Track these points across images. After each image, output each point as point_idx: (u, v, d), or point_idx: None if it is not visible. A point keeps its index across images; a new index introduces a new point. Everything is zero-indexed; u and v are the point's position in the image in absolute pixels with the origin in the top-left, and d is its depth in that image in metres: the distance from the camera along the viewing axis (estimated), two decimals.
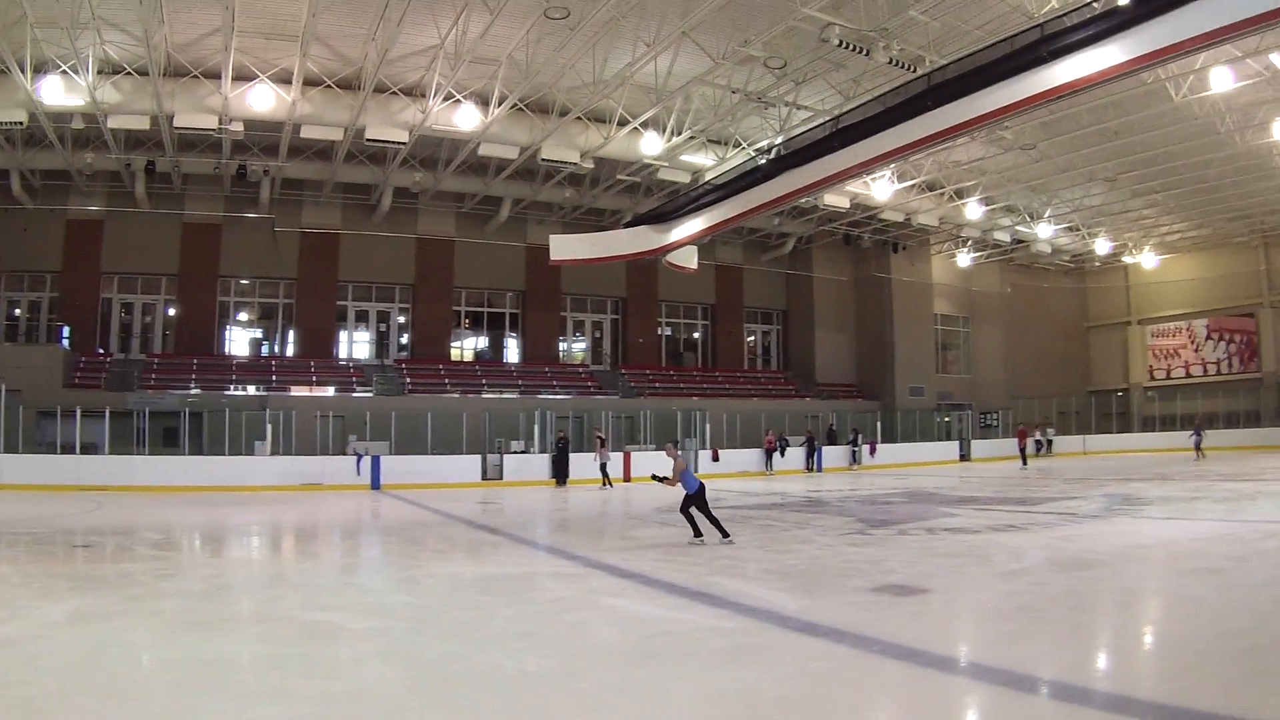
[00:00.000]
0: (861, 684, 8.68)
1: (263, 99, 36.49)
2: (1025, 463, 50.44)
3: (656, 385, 56.75)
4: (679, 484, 19.06)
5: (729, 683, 8.65)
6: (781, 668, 9.13)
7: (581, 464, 41.95)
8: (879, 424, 56.39)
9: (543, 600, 13.35)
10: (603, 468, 40.13)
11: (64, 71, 34.38)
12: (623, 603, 12.93)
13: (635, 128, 39.59)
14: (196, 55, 35.51)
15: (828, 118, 35.31)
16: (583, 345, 61.31)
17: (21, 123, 37.01)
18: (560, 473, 40.84)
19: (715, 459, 46.89)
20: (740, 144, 42.03)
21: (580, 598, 13.06)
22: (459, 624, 11.62)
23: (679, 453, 20.39)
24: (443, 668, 9.38)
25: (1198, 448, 51.80)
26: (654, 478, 20.92)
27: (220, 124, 37.57)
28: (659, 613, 12.06)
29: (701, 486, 18.79)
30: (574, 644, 10.23)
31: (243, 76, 35.94)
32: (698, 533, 18.63)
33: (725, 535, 18.51)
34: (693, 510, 18.78)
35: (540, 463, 42.58)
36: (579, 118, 38.96)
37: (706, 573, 14.74)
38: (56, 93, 35.06)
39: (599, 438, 41.91)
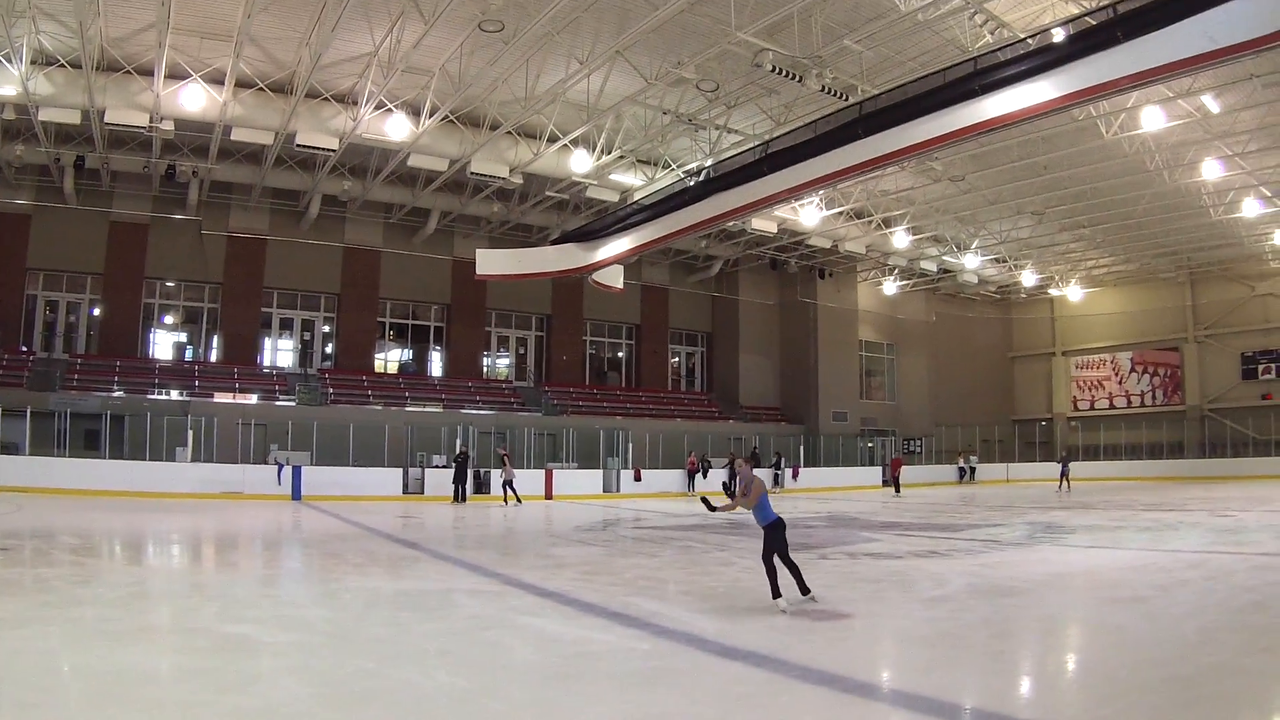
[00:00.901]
0: (780, 710, 8.63)
1: (194, 98, 36.17)
2: (898, 491, 50.45)
3: (580, 403, 56.70)
4: (746, 509, 13.96)
5: (645, 705, 8.66)
6: (699, 691, 9.14)
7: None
8: (801, 448, 56.62)
9: (460, 617, 13.30)
10: (507, 484, 39.81)
11: None
12: (540, 622, 12.87)
13: (565, 145, 39.63)
14: (131, 50, 35.15)
15: (758, 142, 35.52)
16: (507, 361, 61.18)
17: None
18: (459, 488, 40.43)
19: (637, 479, 47.02)
20: (670, 165, 42.18)
21: (498, 616, 12.99)
22: (375, 640, 11.51)
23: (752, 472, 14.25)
24: (356, 684, 9.30)
25: (1063, 477, 52.60)
26: (706, 503, 14.80)
27: (151, 122, 37.10)
28: (577, 633, 12.05)
29: (781, 520, 13.75)
30: (490, 663, 10.20)
31: (176, 75, 35.61)
32: (778, 591, 13.39)
33: (806, 592, 13.60)
34: (775, 559, 13.67)
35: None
36: (510, 132, 38.92)
37: (625, 593, 14.73)
38: None
39: (503, 455, 41.57)
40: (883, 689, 9.66)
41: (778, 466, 52.58)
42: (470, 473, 41.56)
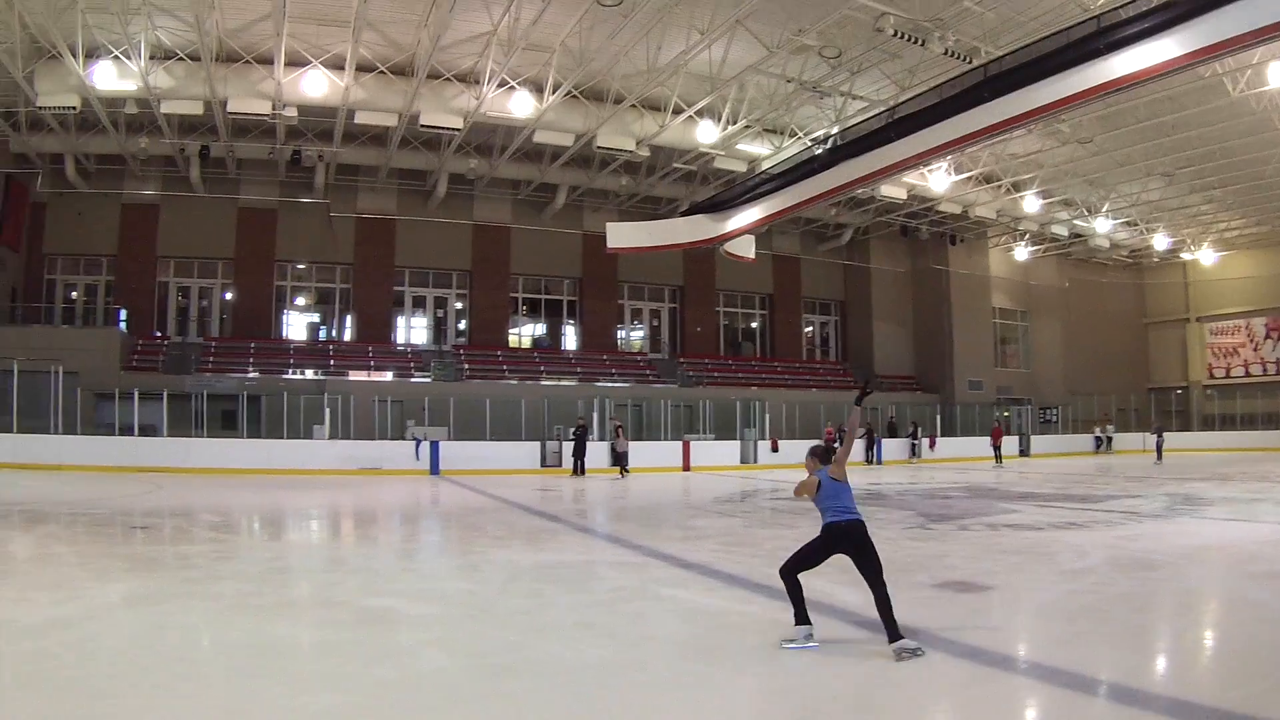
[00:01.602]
0: (923, 684, 8.51)
1: (316, 85, 36.77)
2: (999, 460, 49.51)
3: (715, 374, 56.60)
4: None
5: (790, 678, 8.55)
6: (843, 664, 9.05)
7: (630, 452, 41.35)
8: (938, 417, 56.03)
9: (603, 589, 13.28)
10: (621, 456, 39.79)
11: (116, 57, 34.86)
12: (683, 594, 12.80)
13: (691, 116, 39.38)
14: (248, 40, 35.76)
15: (884, 108, 35.13)
16: (640, 333, 61.27)
17: (74, 107, 37.57)
18: (578, 461, 40.07)
19: (774, 450, 46.64)
20: (796, 134, 41.93)
21: (640, 587, 12.94)
22: (518, 612, 11.51)
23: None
24: (501, 656, 9.29)
25: (1159, 450, 51.54)
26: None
27: (274, 109, 37.80)
28: (720, 605, 11.93)
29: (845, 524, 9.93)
30: (634, 635, 10.19)
31: (295, 62, 36.19)
32: (804, 618, 9.80)
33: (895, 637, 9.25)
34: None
35: (599, 450, 41.96)
36: (634, 105, 38.95)
37: (766, 565, 14.44)
38: (109, 78, 35.55)
39: (617, 427, 41.48)
40: (1025, 663, 9.46)
41: (914, 436, 52.16)
42: (609, 445, 41.39)
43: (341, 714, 7.51)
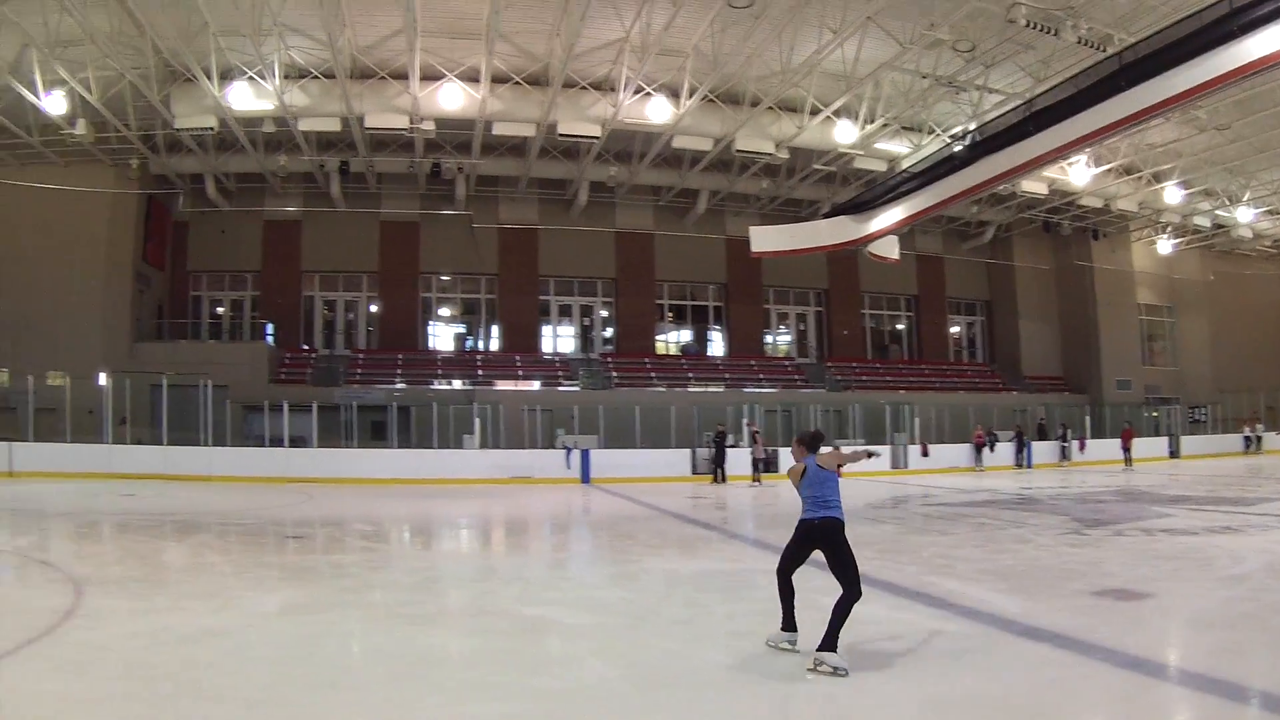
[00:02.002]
0: (1089, 694, 8.33)
1: (452, 98, 37.16)
2: (1129, 463, 47.90)
3: (863, 378, 56.09)
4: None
5: (953, 687, 8.44)
6: (1006, 673, 8.92)
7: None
8: (1087, 418, 55.00)
9: (760, 598, 12.78)
10: (758, 463, 39.18)
11: (250, 77, 35.74)
12: None
13: (828, 116, 39.04)
14: (382, 57, 36.32)
15: (1020, 101, 34.66)
16: (787, 338, 60.78)
17: (212, 128, 38.66)
18: (718, 468, 39.55)
19: (925, 454, 46.02)
20: (934, 130, 41.41)
21: (798, 595, 12.76)
22: (677, 621, 11.53)
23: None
24: (663, 666, 9.28)
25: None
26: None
27: (411, 123, 38.26)
28: (879, 613, 11.66)
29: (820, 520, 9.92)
30: (797, 644, 9.90)
31: (430, 76, 36.62)
32: (790, 624, 9.94)
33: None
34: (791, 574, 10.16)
35: (748, 457, 40.71)
36: (771, 107, 38.66)
37: (924, 572, 14.42)
38: (245, 98, 36.47)
39: (754, 432, 41.06)
40: (1186, 673, 9.24)
41: (1064, 439, 51.20)
42: (751, 452, 40.65)
43: None
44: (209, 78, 34.81)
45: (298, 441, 39.66)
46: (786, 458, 39.44)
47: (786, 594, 9.96)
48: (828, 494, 9.76)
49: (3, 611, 11.52)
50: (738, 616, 11.52)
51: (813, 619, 9.59)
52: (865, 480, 38.53)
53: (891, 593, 13.01)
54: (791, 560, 9.97)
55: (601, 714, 7.83)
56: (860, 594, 9.33)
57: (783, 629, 9.80)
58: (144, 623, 10.93)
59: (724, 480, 38.81)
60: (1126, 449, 48.27)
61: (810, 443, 10.08)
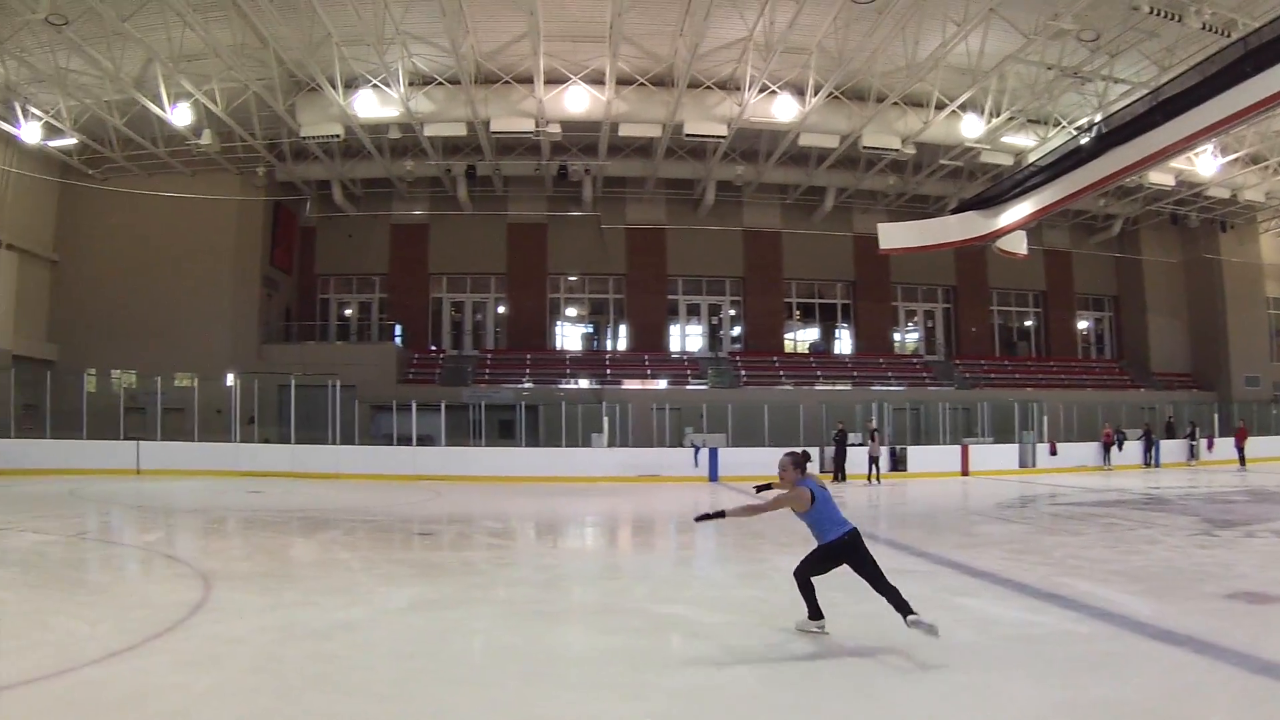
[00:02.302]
0: (1220, 699, 8.18)
1: (577, 100, 37.43)
2: (1243, 464, 46.44)
3: (991, 376, 55.33)
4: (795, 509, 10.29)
5: (1090, 691, 8.23)
6: (1141, 678, 8.71)
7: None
8: (1215, 416, 53.88)
9: None
10: (874, 461, 38.60)
11: (375, 85, 36.37)
12: (975, 603, 12.51)
13: (954, 110, 38.80)
14: (506, 61, 36.61)
15: (1145, 91, 34.00)
16: (915, 335, 60.35)
17: (338, 136, 39.30)
18: (839, 468, 38.91)
19: (1053, 453, 45.25)
20: (1060, 123, 40.79)
21: (933, 596, 12.47)
22: None
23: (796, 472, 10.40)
24: (797, 665, 9.23)
25: None
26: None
27: (537, 127, 38.44)
28: (1013, 614, 11.63)
29: (848, 536, 10.06)
30: (928, 645, 9.72)
31: (554, 79, 36.90)
32: (816, 613, 10.39)
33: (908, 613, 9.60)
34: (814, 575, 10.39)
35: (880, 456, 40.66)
36: (896, 103, 38.35)
37: (1056, 573, 14.18)
38: (370, 105, 37.20)
39: (872, 430, 40.42)
40: None
41: (1192, 437, 50.14)
42: (885, 450, 40.39)
43: None
44: (334, 87, 35.41)
45: (425, 440, 40.07)
46: (915, 455, 39.30)
47: (809, 592, 10.29)
48: (836, 512, 10.12)
49: (132, 605, 11.64)
50: (871, 616, 11.25)
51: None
52: (993, 480, 38.15)
53: (1024, 594, 12.83)
54: (813, 571, 10.23)
55: (735, 715, 7.78)
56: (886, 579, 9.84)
57: (810, 618, 10.30)
58: (273, 617, 11.06)
59: (844, 479, 38.30)
60: (1240, 448, 47.21)
61: (803, 465, 9.99)
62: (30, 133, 38.12)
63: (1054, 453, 44.87)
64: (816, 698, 8.11)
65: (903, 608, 9.49)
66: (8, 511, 22.32)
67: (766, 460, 37.39)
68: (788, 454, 10.19)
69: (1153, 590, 12.92)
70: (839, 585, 13.42)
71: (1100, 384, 57.04)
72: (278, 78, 35.63)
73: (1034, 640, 10.20)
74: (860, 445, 39.88)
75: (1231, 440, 48.40)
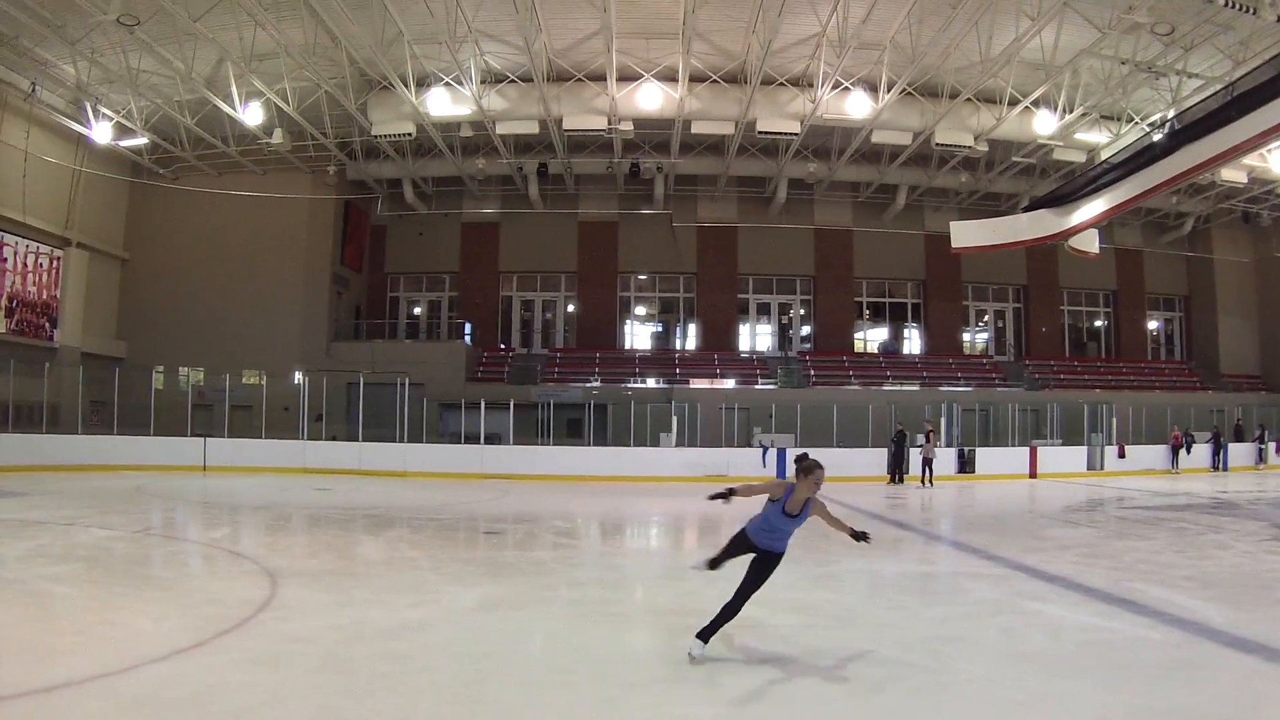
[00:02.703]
0: None
1: (650, 98, 37.43)
2: (1219, 467, 46.04)
3: (1060, 377, 54.72)
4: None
5: (1166, 699, 8.10)
6: (1217, 685, 8.58)
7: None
8: None
9: (967, 602, 12.94)
10: (927, 463, 37.85)
11: (447, 84, 36.38)
12: (1048, 608, 12.30)
13: (1026, 106, 38.33)
14: (578, 59, 36.68)
15: (1219, 86, 33.66)
16: (985, 335, 59.66)
17: (410, 134, 39.49)
18: (896, 468, 38.61)
19: (1121, 455, 44.81)
20: (1133, 119, 40.30)
21: (1005, 600, 12.55)
22: (883, 625, 11.28)
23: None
24: (872, 670, 9.07)
25: None
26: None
27: (609, 124, 38.52)
28: (1086, 620, 11.43)
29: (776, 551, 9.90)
30: (1004, 651, 9.79)
31: (627, 76, 36.91)
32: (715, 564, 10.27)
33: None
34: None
35: (945, 457, 40.68)
36: (969, 99, 37.98)
37: (1128, 578, 14.03)
38: (442, 104, 37.31)
39: (929, 431, 39.33)
40: None
41: (1261, 440, 49.44)
42: (922, 451, 39.10)
43: None
44: (405, 85, 35.63)
45: (493, 439, 40.14)
46: (984, 457, 39.01)
47: (724, 555, 10.20)
48: (786, 527, 9.79)
49: (198, 602, 11.65)
50: (945, 620, 11.26)
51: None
52: (1061, 482, 37.82)
53: (1097, 599, 12.62)
54: (729, 555, 10.16)
55: (809, 718, 7.65)
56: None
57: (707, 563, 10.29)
58: (341, 615, 11.06)
59: (901, 481, 38.09)
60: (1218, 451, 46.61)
61: (805, 469, 9.73)
62: (101, 133, 38.69)
63: (1122, 455, 44.37)
64: (889, 706, 7.99)
65: (706, 631, 9.30)
66: (75, 506, 22.45)
67: (836, 461, 36.84)
68: (800, 456, 9.91)
69: (1225, 596, 12.77)
70: (910, 589, 13.38)
71: (1169, 385, 56.11)
72: (349, 76, 36.03)
73: (1105, 646, 10.04)
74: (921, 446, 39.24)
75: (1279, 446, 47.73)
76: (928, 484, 37.03)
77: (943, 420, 43.28)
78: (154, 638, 9.71)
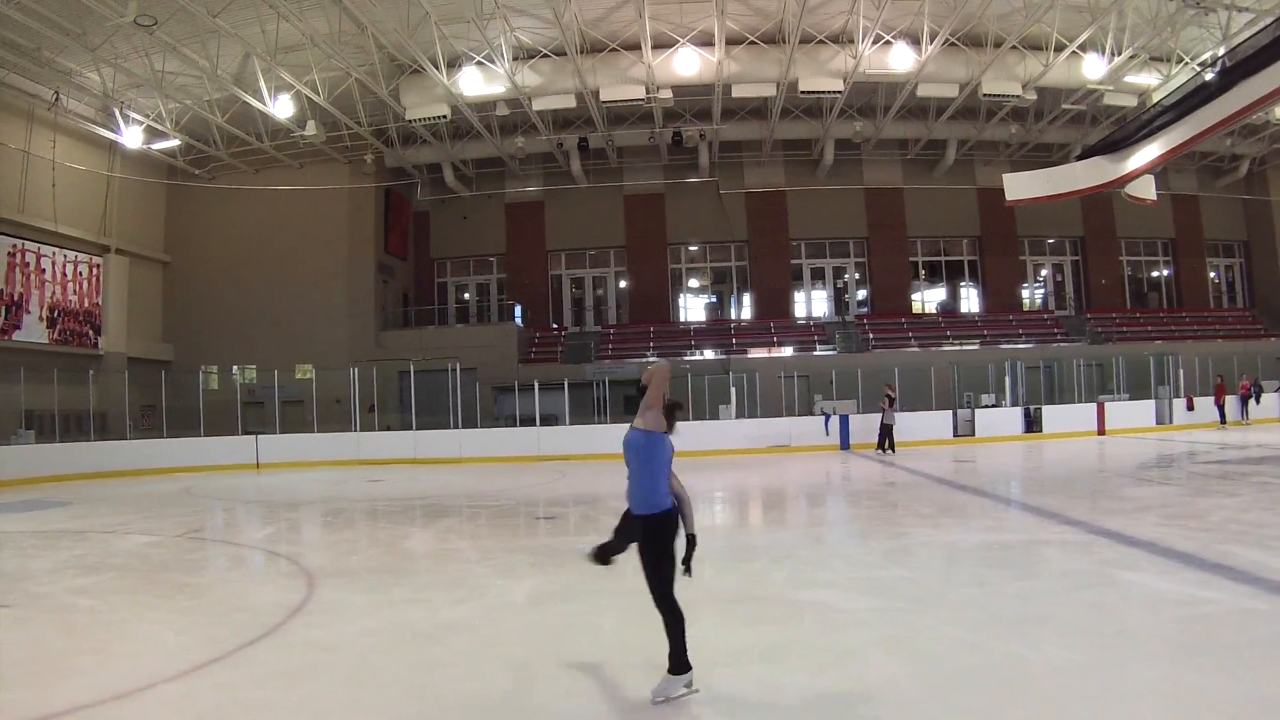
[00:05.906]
0: None
1: (687, 63, 36.85)
2: (1223, 421, 43.91)
3: (1123, 329, 53.72)
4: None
5: None
6: None
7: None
8: None
9: (1051, 574, 12.05)
10: (886, 430, 35.91)
11: (479, 62, 36.12)
12: (1140, 577, 11.39)
13: (1074, 51, 37.39)
14: (611, 29, 36.15)
15: (1271, 18, 32.72)
16: (1043, 290, 58.81)
17: (445, 117, 39.36)
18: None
19: (1190, 408, 43.78)
20: (1183, 59, 39.34)
21: (1092, 571, 11.65)
22: (965, 603, 10.41)
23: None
24: (956, 659, 8.20)
25: None
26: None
27: (648, 93, 38.03)
28: (1182, 590, 10.49)
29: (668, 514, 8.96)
30: (1100, 630, 8.87)
31: (662, 43, 36.33)
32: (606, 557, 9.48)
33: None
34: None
35: (1010, 416, 40.33)
36: (1014, 46, 37.14)
37: (1218, 540, 13.16)
38: (475, 83, 37.07)
39: (888, 395, 37.02)
40: None
41: None
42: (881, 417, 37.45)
43: None
44: (437, 67, 35.23)
45: (549, 420, 39.89)
46: (1050, 414, 38.40)
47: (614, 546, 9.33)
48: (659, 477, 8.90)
49: (228, 609, 11.09)
50: (1032, 597, 10.44)
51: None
52: (1131, 438, 37.05)
53: (1191, 566, 11.70)
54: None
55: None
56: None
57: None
58: (377, 618, 10.49)
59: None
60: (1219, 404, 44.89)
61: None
62: (132, 138, 38.87)
63: (1191, 408, 43.48)
64: (982, 701, 7.14)
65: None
66: (120, 513, 22.22)
67: (898, 425, 36.54)
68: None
69: None
70: (988, 561, 12.55)
71: (1233, 334, 54.82)
72: (378, 62, 35.58)
73: (1209, 620, 9.20)
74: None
75: None
76: (888, 450, 35.36)
77: (1006, 379, 42.67)
78: (173, 653, 9.15)
